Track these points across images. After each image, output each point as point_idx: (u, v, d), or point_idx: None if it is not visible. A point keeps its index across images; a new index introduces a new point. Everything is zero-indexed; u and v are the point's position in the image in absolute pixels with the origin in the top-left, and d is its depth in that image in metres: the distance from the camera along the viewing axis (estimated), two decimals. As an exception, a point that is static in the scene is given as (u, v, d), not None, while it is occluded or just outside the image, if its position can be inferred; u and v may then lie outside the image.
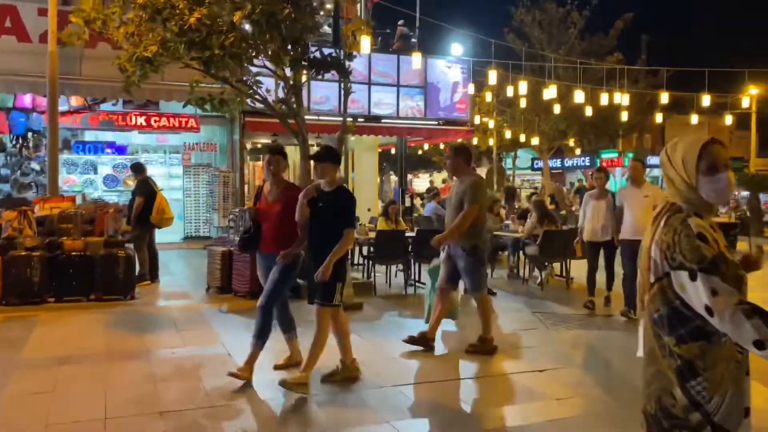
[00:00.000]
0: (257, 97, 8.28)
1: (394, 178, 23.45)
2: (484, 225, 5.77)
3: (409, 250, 8.79)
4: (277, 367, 4.97)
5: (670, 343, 2.07)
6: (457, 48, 18.09)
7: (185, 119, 14.03)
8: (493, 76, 12.50)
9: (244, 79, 8.13)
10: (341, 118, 11.94)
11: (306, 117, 14.09)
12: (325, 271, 4.39)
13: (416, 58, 11.96)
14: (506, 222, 10.55)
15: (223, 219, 13.76)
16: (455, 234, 5.56)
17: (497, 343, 5.74)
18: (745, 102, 14.86)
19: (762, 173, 26.55)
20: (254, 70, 8.12)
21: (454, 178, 5.90)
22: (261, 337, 4.75)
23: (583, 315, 7.27)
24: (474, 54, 16.66)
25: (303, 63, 7.82)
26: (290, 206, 4.65)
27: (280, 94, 8.51)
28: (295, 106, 8.41)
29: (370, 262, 8.74)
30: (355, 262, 9.86)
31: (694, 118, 17.46)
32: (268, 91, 8.38)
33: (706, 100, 14.46)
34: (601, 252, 7.57)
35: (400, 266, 8.95)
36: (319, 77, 8.29)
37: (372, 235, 8.75)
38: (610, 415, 4.25)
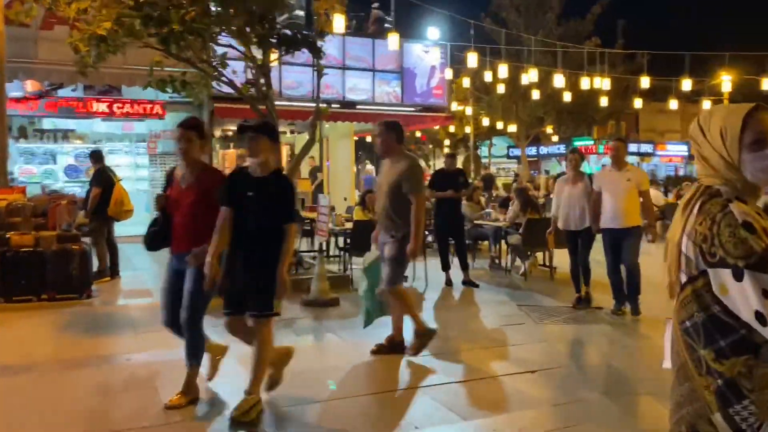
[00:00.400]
0: (223, 79, 7.72)
1: (370, 167, 22.95)
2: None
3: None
4: (168, 407, 3.87)
5: (707, 357, 1.66)
6: (433, 32, 17.59)
7: (150, 106, 13.33)
8: (472, 59, 12.07)
9: (210, 60, 7.57)
10: (314, 104, 11.50)
11: (278, 103, 13.53)
12: (282, 286, 3.61)
13: (393, 39, 11.46)
14: (487, 210, 10.16)
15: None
16: (419, 237, 4.87)
17: (480, 341, 5.35)
18: (727, 86, 14.68)
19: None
20: (221, 50, 7.56)
21: (385, 158, 5.09)
22: (195, 356, 3.97)
23: (571, 308, 6.90)
24: (451, 39, 16.20)
25: (271, 41, 7.26)
26: (207, 194, 3.75)
27: (249, 77, 7.96)
28: (264, 89, 7.86)
29: (347, 254, 8.26)
30: (331, 254, 9.39)
31: (673, 104, 17.27)
32: (234, 72, 7.81)
33: (686, 84, 14.25)
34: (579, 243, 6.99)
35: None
36: (290, 54, 7.72)
37: (348, 225, 8.27)
38: (613, 424, 3.86)
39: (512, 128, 24.03)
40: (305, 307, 6.74)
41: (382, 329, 5.29)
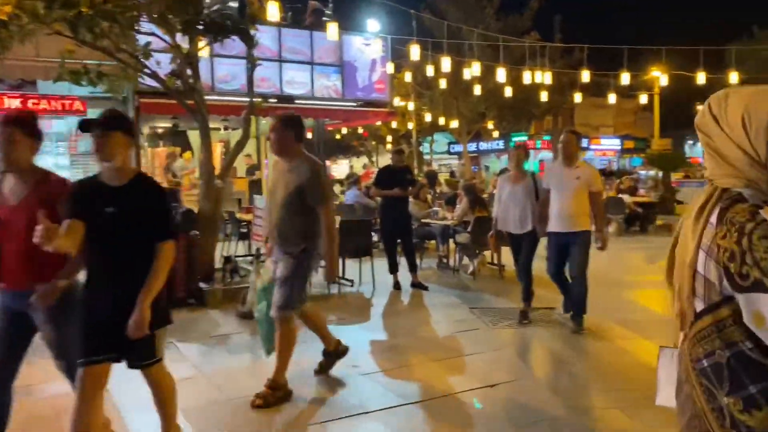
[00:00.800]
0: (146, 71, 7.01)
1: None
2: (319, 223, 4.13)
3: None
4: None
5: (732, 407, 1.29)
6: (373, 24, 17.15)
7: (69, 101, 12.27)
8: (415, 51, 11.68)
9: (133, 50, 6.85)
10: (248, 99, 10.89)
11: (210, 97, 12.73)
12: (140, 321, 2.74)
13: (332, 28, 10.91)
14: (434, 208, 9.80)
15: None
16: (335, 257, 4.22)
17: (432, 352, 4.92)
18: (663, 80, 14.94)
19: (667, 152, 27.61)
20: (144, 40, 6.83)
21: (279, 158, 4.25)
22: None
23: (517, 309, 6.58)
24: (391, 32, 15.78)
25: (198, 27, 6.62)
26: (48, 211, 2.65)
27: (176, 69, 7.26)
28: (191, 81, 7.20)
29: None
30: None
31: (612, 98, 17.48)
32: (158, 63, 7.12)
33: (625, 78, 14.36)
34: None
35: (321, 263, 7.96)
36: (219, 43, 7.09)
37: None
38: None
39: (454, 124, 23.90)
40: (241, 320, 6.16)
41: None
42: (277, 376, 4.08)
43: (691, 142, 46.83)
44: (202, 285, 7.01)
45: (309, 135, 19.57)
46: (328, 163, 30.29)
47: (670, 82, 16.45)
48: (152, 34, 6.79)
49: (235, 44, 13.72)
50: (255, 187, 15.43)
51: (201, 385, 4.42)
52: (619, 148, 39.71)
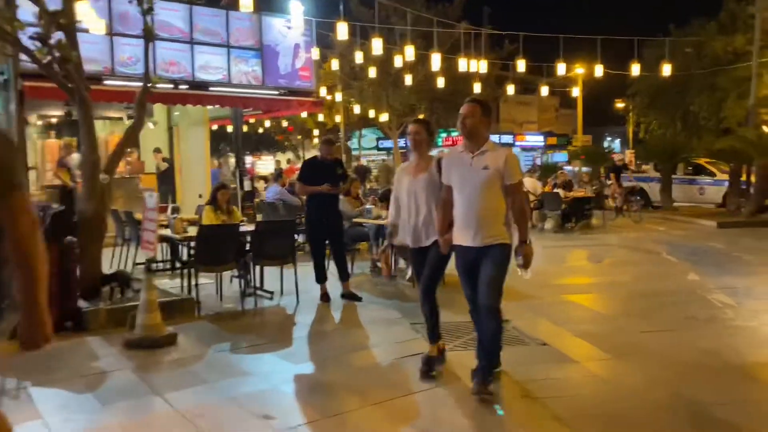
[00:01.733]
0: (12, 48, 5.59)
1: (234, 161, 20.80)
2: None
3: (247, 248, 6.65)
4: None
5: None
6: (296, 6, 15.86)
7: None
8: (342, 30, 10.51)
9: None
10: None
11: (111, 82, 11.13)
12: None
13: (246, 1, 9.51)
14: (367, 206, 8.74)
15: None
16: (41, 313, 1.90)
17: (371, 391, 3.86)
18: (599, 71, 14.58)
19: (592, 147, 27.91)
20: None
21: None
22: None
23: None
24: (316, 15, 14.57)
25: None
26: None
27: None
28: (64, 53, 5.80)
29: (191, 270, 6.37)
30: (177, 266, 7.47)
31: (545, 90, 17.04)
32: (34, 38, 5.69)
33: (561, 68, 13.86)
34: None
35: (236, 271, 6.72)
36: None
37: (191, 232, 6.40)
38: None
39: (384, 117, 22.97)
40: (128, 351, 4.87)
41: (242, 375, 3.61)
42: None
43: (609, 137, 48.33)
44: (81, 304, 5.64)
45: (229, 128, 18.08)
46: (250, 159, 28.69)
47: (589, 79, 16.25)
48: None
49: (141, 22, 12.24)
50: (166, 183, 13.86)
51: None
52: (543, 144, 40.26)
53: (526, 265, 3.87)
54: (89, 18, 9.18)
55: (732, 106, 17.18)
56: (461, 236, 3.93)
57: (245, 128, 18.92)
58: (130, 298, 5.95)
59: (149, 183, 13.42)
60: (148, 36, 6.51)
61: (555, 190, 13.74)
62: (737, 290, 7.04)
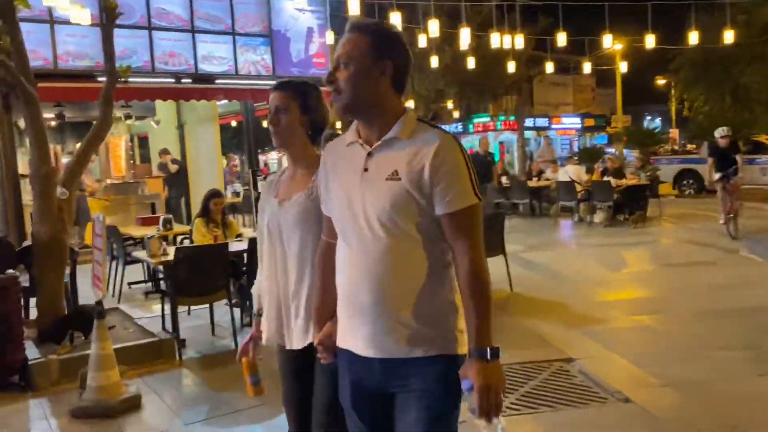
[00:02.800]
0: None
1: (237, 162, 19.68)
2: None
3: (242, 271, 5.46)
4: None
5: None
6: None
7: None
8: (354, 6, 9.22)
9: None
10: (154, 79, 8.64)
11: (105, 78, 10.07)
12: None
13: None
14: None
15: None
16: None
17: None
18: (650, 41, 12.94)
19: (638, 128, 26.00)
20: None
21: None
22: None
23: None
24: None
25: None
26: None
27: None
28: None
29: (170, 302, 5.16)
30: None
31: (587, 67, 15.45)
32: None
33: (607, 40, 12.28)
34: None
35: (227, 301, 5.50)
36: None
37: (170, 255, 5.18)
38: None
39: (409, 105, 21.59)
40: (75, 423, 3.71)
41: None
42: None
43: (649, 117, 45.87)
44: (32, 352, 4.52)
45: (234, 123, 16.91)
46: (262, 157, 27.58)
47: (633, 53, 14.75)
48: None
49: (135, 10, 11.05)
50: (176, 186, 12.84)
51: None
52: (580, 126, 38.22)
53: (486, 410, 1.60)
54: (70, 7, 8.10)
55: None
56: (348, 331, 1.79)
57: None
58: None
59: (157, 187, 12.42)
60: (111, 14, 5.35)
61: (605, 178, 12.25)
62: None
